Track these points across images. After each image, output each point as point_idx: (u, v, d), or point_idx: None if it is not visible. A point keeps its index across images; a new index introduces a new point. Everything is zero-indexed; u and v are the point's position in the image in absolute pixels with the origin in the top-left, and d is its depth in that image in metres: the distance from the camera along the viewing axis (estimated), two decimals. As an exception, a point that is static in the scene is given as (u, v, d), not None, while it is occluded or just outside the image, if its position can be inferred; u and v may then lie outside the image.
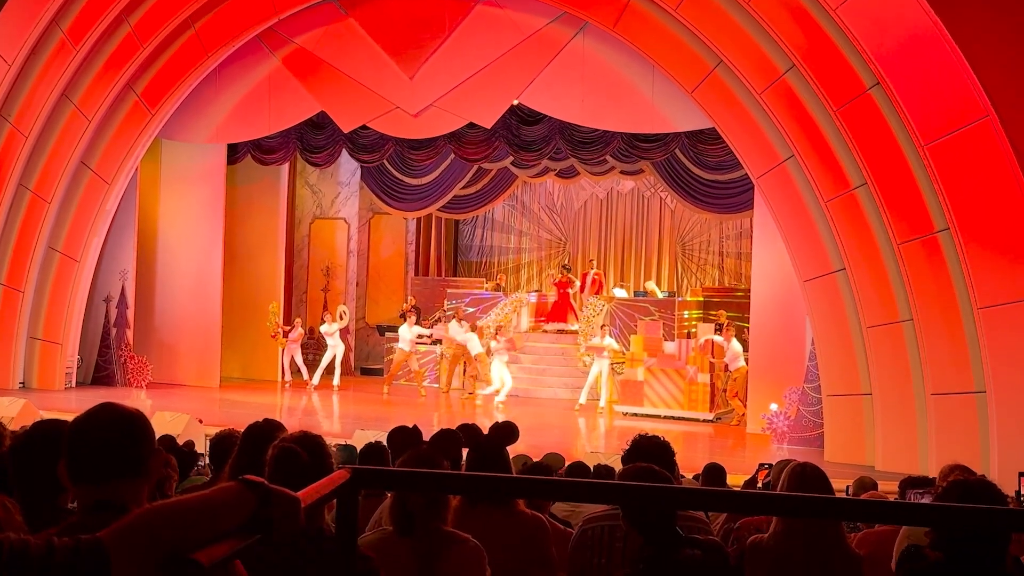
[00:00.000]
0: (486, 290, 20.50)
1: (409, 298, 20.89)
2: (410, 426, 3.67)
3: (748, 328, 15.62)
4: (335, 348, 18.34)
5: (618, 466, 5.09)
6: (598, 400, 16.54)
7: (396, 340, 18.92)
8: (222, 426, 6.17)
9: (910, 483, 5.58)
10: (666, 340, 16.75)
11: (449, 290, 20.71)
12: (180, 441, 8.13)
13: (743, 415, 15.33)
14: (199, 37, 16.17)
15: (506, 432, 3.97)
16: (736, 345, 15.74)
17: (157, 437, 7.78)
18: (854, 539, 4.20)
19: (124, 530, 1.37)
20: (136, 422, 2.02)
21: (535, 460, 7.19)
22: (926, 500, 4.69)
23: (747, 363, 15.33)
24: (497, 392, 16.78)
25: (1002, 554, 2.83)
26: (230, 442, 4.49)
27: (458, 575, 3.22)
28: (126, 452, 1.97)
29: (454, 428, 3.72)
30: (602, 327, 16.86)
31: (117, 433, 1.98)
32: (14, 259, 16.78)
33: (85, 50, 15.94)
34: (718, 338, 15.98)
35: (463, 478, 2.97)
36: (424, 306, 20.52)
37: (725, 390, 16.05)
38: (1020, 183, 11.36)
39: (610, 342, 16.21)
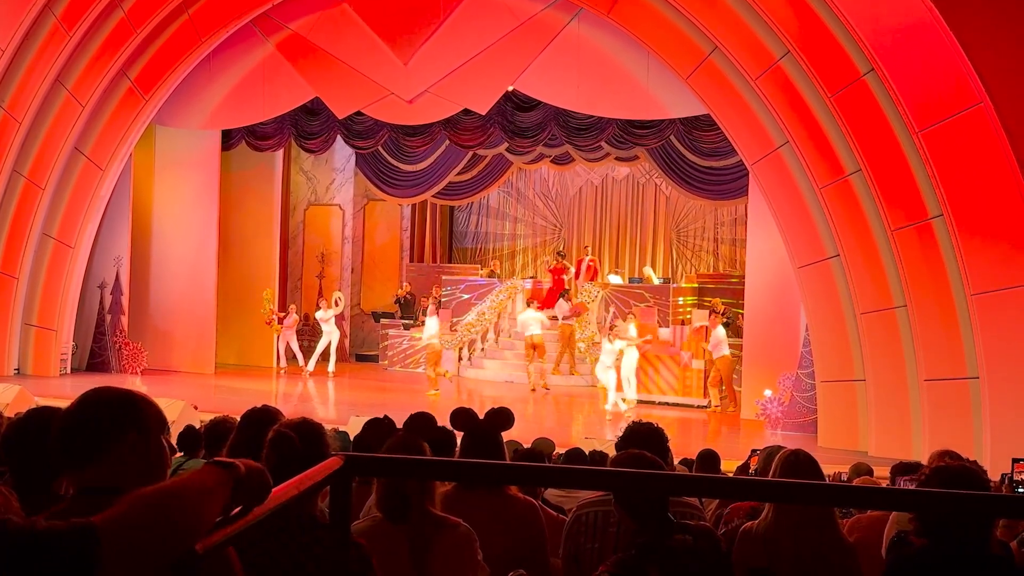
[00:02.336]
0: (481, 276, 20.52)
1: (404, 284, 20.90)
2: (382, 417, 3.68)
3: (743, 314, 15.62)
4: (330, 335, 18.35)
5: (612, 452, 5.11)
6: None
7: (392, 327, 18.95)
8: (217, 412, 6.19)
9: (900, 469, 5.60)
10: (661, 326, 16.76)
11: (444, 276, 20.72)
12: (174, 427, 8.14)
13: (718, 405, 15.31)
14: (193, 23, 16.10)
15: (502, 417, 3.98)
16: (719, 332, 15.57)
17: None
18: (845, 524, 4.23)
19: (118, 516, 1.37)
20: (116, 404, 2.00)
21: (526, 447, 7.21)
22: (913, 486, 4.72)
23: (731, 351, 15.22)
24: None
25: (986, 538, 2.84)
26: (224, 428, 4.51)
27: (450, 560, 3.24)
28: (99, 434, 1.97)
29: (425, 411, 3.72)
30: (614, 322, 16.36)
31: (92, 415, 1.97)
32: (8, 245, 16.73)
33: (78, 36, 15.86)
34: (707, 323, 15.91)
35: (458, 464, 2.99)
36: (419, 293, 20.53)
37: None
38: (1014, 170, 11.37)
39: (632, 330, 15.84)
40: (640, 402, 15.74)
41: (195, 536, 1.41)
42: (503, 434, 4.03)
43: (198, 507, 1.44)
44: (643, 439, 3.87)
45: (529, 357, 16.97)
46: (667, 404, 15.75)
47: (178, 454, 6.54)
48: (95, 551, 1.31)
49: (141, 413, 2.05)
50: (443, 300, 19.62)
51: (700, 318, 16.34)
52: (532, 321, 16.82)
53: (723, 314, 16.75)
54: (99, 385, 2.12)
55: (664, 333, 16.47)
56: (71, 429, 1.97)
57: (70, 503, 1.94)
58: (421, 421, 3.56)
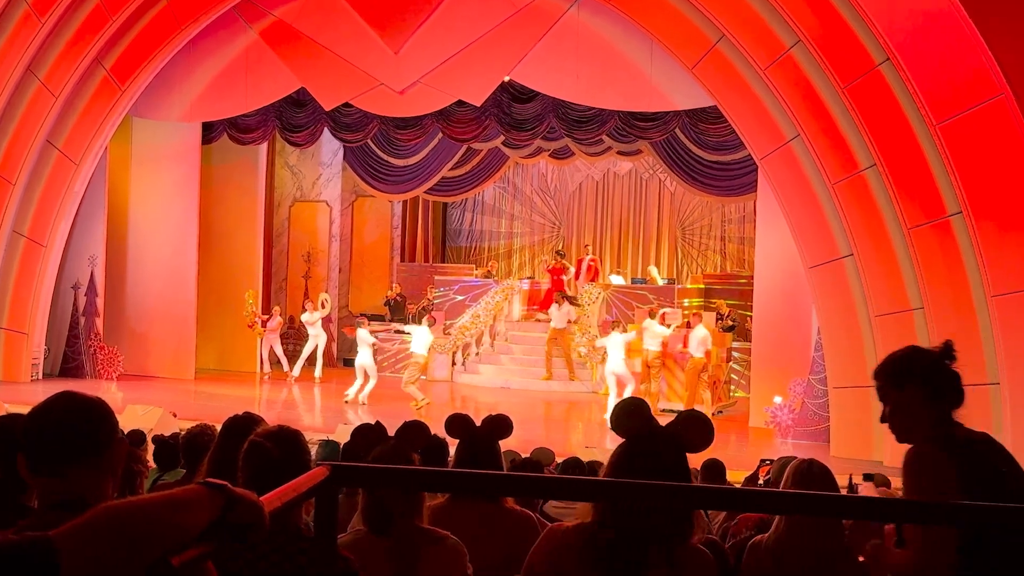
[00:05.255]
0: (476, 277, 20.50)
1: (394, 285, 20.90)
2: (373, 423, 3.69)
3: (751, 317, 15.62)
4: (317, 338, 18.33)
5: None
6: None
7: (382, 330, 18.88)
8: (197, 420, 6.18)
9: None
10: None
11: (437, 277, 20.71)
12: (151, 436, 8.14)
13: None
14: (172, 9, 16.08)
15: (500, 426, 3.98)
16: (697, 332, 15.44)
17: (128, 431, 7.76)
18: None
19: (78, 529, 1.36)
20: (93, 409, 2.03)
21: (524, 456, 7.21)
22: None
23: (706, 355, 15.25)
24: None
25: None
26: (204, 438, 4.51)
27: (438, 574, 3.24)
28: (82, 439, 1.99)
29: (417, 420, 3.74)
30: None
31: (72, 420, 2.00)
32: (-23, 244, 16.72)
33: (51, 23, 15.83)
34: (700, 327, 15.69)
35: (451, 475, 2.98)
36: (410, 294, 20.51)
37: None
38: (1036, 165, 11.40)
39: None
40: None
41: (160, 550, 1.40)
42: (500, 443, 4.03)
43: (167, 521, 1.43)
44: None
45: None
46: (672, 411, 15.73)
47: (152, 465, 6.55)
48: (54, 566, 1.30)
49: (116, 422, 2.08)
50: (435, 302, 19.61)
51: (708, 320, 16.30)
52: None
53: (727, 317, 16.75)
54: (71, 390, 2.13)
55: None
56: (59, 431, 1.97)
57: (40, 516, 1.94)
58: (413, 431, 3.56)
